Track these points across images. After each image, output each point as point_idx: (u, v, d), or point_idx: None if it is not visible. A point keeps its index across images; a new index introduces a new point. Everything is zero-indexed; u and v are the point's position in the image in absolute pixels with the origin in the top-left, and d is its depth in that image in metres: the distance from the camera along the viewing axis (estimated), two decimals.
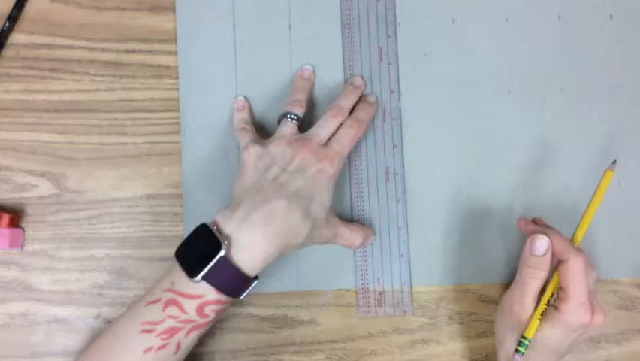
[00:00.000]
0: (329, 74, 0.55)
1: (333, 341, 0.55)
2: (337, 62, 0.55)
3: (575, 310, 0.45)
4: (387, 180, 0.55)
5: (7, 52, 0.55)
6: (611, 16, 0.55)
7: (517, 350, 0.46)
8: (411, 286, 0.55)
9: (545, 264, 0.46)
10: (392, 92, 0.55)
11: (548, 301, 0.47)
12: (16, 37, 0.55)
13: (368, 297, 0.55)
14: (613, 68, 0.55)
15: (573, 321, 0.46)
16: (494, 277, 0.55)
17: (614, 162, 0.49)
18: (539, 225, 0.51)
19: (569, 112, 0.55)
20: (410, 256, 0.55)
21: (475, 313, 0.55)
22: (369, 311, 0.55)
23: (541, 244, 0.47)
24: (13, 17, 0.54)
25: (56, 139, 0.55)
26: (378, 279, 0.55)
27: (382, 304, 0.55)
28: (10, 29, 0.54)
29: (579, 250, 0.47)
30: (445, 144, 0.55)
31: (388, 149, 0.55)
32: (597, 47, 0.55)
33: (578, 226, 0.48)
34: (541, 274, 0.46)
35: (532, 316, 0.46)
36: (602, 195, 0.48)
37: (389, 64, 0.55)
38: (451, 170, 0.55)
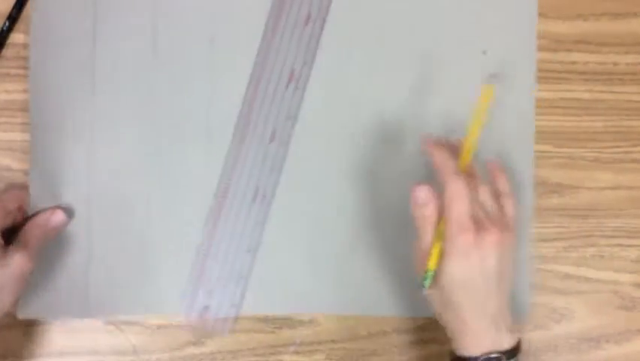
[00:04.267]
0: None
1: (333, 341, 0.55)
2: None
3: (455, 234, 0.43)
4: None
5: (7, 52, 0.55)
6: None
7: (422, 285, 0.45)
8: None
9: (430, 208, 0.45)
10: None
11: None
12: (16, 37, 0.55)
13: None
14: None
15: (458, 245, 0.43)
16: None
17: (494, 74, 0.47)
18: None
19: None
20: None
21: None
22: None
23: (420, 195, 0.45)
24: (13, 17, 0.54)
25: None
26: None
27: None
28: (10, 29, 0.54)
29: (458, 173, 0.44)
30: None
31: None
32: None
33: (462, 150, 0.46)
34: (430, 219, 0.45)
35: (431, 248, 0.45)
36: (484, 112, 0.46)
37: None
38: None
